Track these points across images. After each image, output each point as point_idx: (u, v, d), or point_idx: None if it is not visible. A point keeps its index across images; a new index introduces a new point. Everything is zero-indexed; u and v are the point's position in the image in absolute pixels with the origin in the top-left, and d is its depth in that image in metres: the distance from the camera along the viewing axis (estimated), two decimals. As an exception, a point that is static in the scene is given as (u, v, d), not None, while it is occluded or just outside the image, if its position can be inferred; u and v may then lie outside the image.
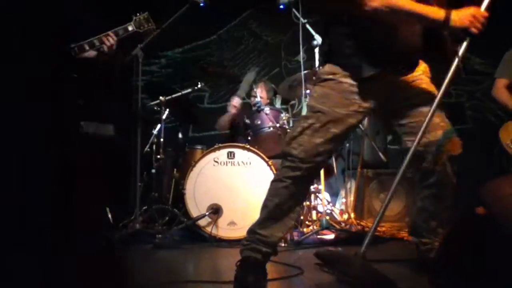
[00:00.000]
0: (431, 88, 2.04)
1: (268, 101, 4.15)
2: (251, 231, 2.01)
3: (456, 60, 1.81)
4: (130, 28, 2.71)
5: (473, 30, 1.76)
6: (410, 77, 2.00)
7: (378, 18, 1.82)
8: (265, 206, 2.02)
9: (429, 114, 1.79)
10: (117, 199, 3.97)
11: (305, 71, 3.58)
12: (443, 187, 2.02)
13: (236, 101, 4.25)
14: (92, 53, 2.60)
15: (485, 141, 3.48)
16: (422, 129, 1.79)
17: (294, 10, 3.57)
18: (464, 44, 1.80)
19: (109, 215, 3.68)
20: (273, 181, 2.04)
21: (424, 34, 1.93)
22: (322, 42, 2.23)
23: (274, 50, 5.18)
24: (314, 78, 2.18)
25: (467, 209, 1.42)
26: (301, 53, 3.63)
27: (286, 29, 4.93)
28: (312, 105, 2.03)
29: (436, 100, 1.81)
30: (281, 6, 3.60)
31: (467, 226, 1.43)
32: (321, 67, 2.11)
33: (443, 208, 2.05)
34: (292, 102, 4.88)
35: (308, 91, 3.72)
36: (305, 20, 3.55)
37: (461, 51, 1.80)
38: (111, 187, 3.99)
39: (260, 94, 4.23)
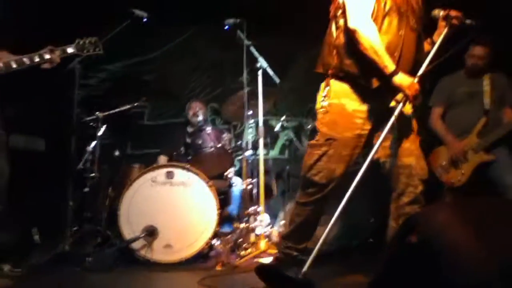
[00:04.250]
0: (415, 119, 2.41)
1: (198, 118, 4.05)
2: (282, 237, 2.50)
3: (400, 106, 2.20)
4: (69, 50, 2.60)
5: (407, 93, 2.17)
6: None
7: (352, 37, 2.19)
8: (292, 221, 2.44)
9: (381, 137, 2.14)
10: (47, 219, 3.75)
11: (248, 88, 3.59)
12: (414, 205, 2.29)
13: None
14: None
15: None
16: (374, 149, 2.14)
17: (239, 31, 3.59)
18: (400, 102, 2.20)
19: (37, 235, 3.46)
20: (298, 204, 2.41)
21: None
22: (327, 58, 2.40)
23: (218, 69, 5.16)
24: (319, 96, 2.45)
25: (400, 235, 1.45)
26: (244, 74, 3.63)
27: (231, 49, 4.94)
28: (323, 132, 2.35)
29: (388, 124, 2.14)
30: (227, 27, 3.61)
31: (401, 253, 1.45)
32: (325, 84, 2.38)
33: None
34: (235, 122, 4.88)
35: (250, 112, 3.73)
36: (249, 42, 3.57)
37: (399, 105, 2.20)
38: (41, 205, 3.77)
39: (193, 111, 4.18)
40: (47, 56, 2.52)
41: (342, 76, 2.31)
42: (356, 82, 2.28)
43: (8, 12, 2.75)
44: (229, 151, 3.71)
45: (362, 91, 2.29)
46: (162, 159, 4.11)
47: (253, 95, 3.60)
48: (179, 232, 3.16)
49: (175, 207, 3.22)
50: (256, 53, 3.57)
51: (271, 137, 4.60)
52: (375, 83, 2.23)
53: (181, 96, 5.03)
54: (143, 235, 3.09)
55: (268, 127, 4.27)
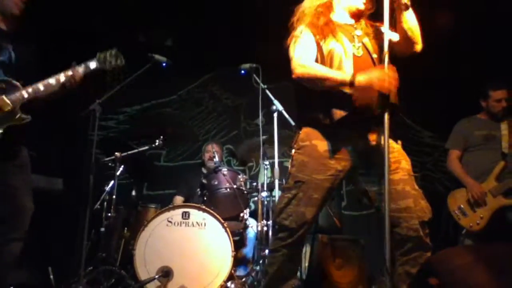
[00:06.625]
0: (405, 158, 2.22)
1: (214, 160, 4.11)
2: None
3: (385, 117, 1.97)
4: (92, 66, 2.48)
5: (382, 85, 1.96)
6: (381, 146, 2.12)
7: (303, 83, 2.15)
8: (266, 272, 2.27)
9: (385, 183, 1.90)
10: (62, 258, 3.75)
11: (264, 136, 3.64)
12: (420, 251, 2.09)
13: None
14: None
15: (434, 210, 3.59)
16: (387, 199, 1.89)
17: (254, 75, 3.68)
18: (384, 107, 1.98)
19: (51, 275, 3.45)
20: (270, 252, 2.30)
21: None
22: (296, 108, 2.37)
23: (234, 112, 5.27)
24: (292, 145, 2.34)
25: (418, 279, 1.44)
26: (260, 117, 3.70)
27: (246, 93, 5.06)
28: (293, 174, 2.23)
29: (385, 167, 1.92)
30: (242, 72, 3.71)
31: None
32: (297, 134, 2.30)
33: None
34: (250, 164, 4.93)
35: (266, 154, 3.76)
36: (265, 86, 3.65)
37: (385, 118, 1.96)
38: (56, 245, 3.78)
39: (209, 154, 4.24)
40: (70, 73, 2.43)
41: (307, 123, 2.26)
42: (321, 124, 2.17)
43: (36, 55, 2.81)
44: (244, 192, 3.72)
45: (332, 131, 2.17)
46: (178, 199, 4.13)
47: (269, 137, 3.64)
48: (194, 274, 3.14)
49: (190, 248, 3.21)
50: (271, 96, 3.64)
51: (286, 179, 4.62)
52: (337, 114, 2.11)
53: (197, 138, 5.12)
54: (158, 276, 3.07)
55: (283, 169, 4.30)
